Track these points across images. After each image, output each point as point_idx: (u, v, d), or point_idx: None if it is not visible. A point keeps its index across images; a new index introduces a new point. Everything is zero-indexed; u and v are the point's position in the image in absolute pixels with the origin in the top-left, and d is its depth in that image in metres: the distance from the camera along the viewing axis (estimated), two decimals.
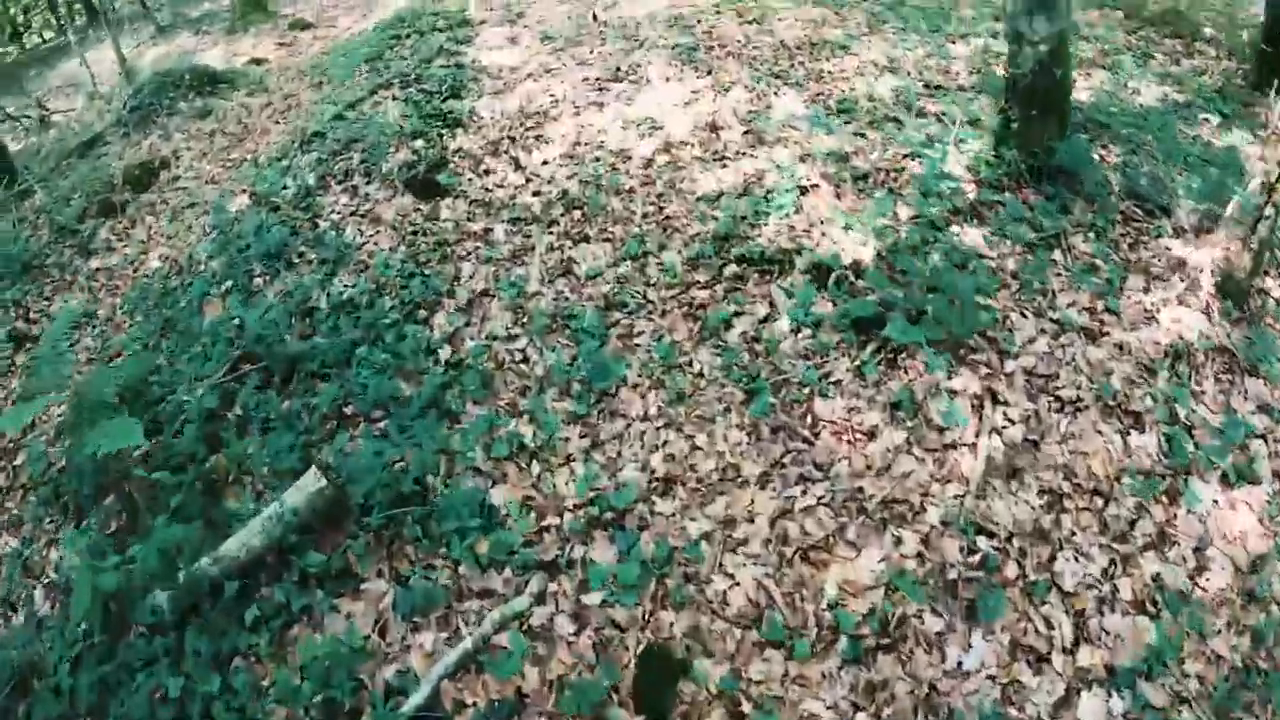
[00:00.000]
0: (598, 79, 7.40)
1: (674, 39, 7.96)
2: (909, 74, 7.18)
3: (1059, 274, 5.17)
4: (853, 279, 4.83)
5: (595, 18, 8.85)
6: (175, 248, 6.96)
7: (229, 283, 5.88)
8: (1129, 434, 4.45)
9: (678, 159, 6.13)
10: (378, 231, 5.90)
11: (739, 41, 7.85)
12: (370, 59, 8.99)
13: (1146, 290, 5.24)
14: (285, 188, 6.68)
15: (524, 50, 8.43)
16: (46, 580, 4.71)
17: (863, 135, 6.24)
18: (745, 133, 6.36)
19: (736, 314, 4.81)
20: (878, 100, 6.74)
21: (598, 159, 6.26)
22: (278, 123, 8.59)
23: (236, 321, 5.46)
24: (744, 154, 6.10)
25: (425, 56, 8.36)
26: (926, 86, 6.98)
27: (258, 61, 11.11)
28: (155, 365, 5.31)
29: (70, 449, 4.83)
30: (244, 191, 7.03)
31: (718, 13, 8.55)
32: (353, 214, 6.13)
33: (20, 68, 18.95)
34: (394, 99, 7.58)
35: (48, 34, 22.45)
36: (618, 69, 7.49)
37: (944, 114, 6.48)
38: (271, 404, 4.72)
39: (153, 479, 4.28)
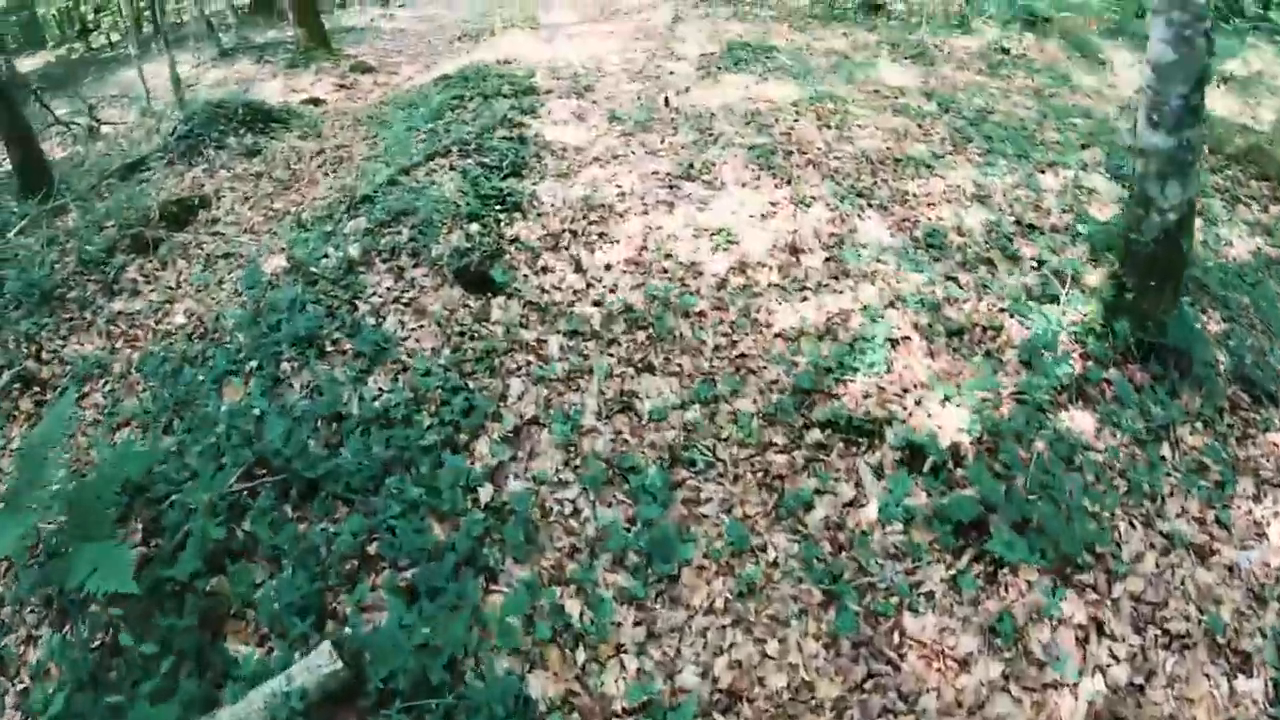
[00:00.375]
0: (668, 174, 6.85)
1: (751, 138, 7.42)
2: (999, 206, 6.63)
3: (1168, 473, 4.55)
4: (950, 467, 4.21)
5: (667, 103, 8.33)
6: (203, 303, 6.39)
7: (253, 363, 5.29)
8: (1236, 677, 3.84)
9: (754, 283, 5.56)
10: (421, 326, 5.32)
11: (819, 149, 7.31)
12: (430, 118, 8.48)
13: (1257, 498, 4.66)
14: (326, 256, 6.11)
15: (590, 130, 7.90)
16: (20, 685, 4.10)
17: (954, 279, 5.66)
18: (827, 259, 5.79)
19: (818, 492, 4.20)
20: (968, 235, 6.19)
21: (665, 270, 5.70)
22: (327, 175, 8.07)
23: (257, 413, 4.86)
24: (826, 286, 5.53)
25: (487, 124, 7.83)
26: (1018, 223, 6.42)
27: (315, 102, 10.63)
28: (163, 453, 4.71)
29: (59, 549, 4.24)
30: (282, 251, 6.47)
31: (796, 113, 8.02)
32: (396, 301, 5.56)
33: (82, 67, 18.64)
34: (451, 169, 7.03)
35: (115, 36, 22.21)
36: (690, 166, 6.95)
37: (1040, 260, 5.92)
38: (287, 529, 4.11)
39: (141, 648, 3.66)
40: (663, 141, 7.51)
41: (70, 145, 12.15)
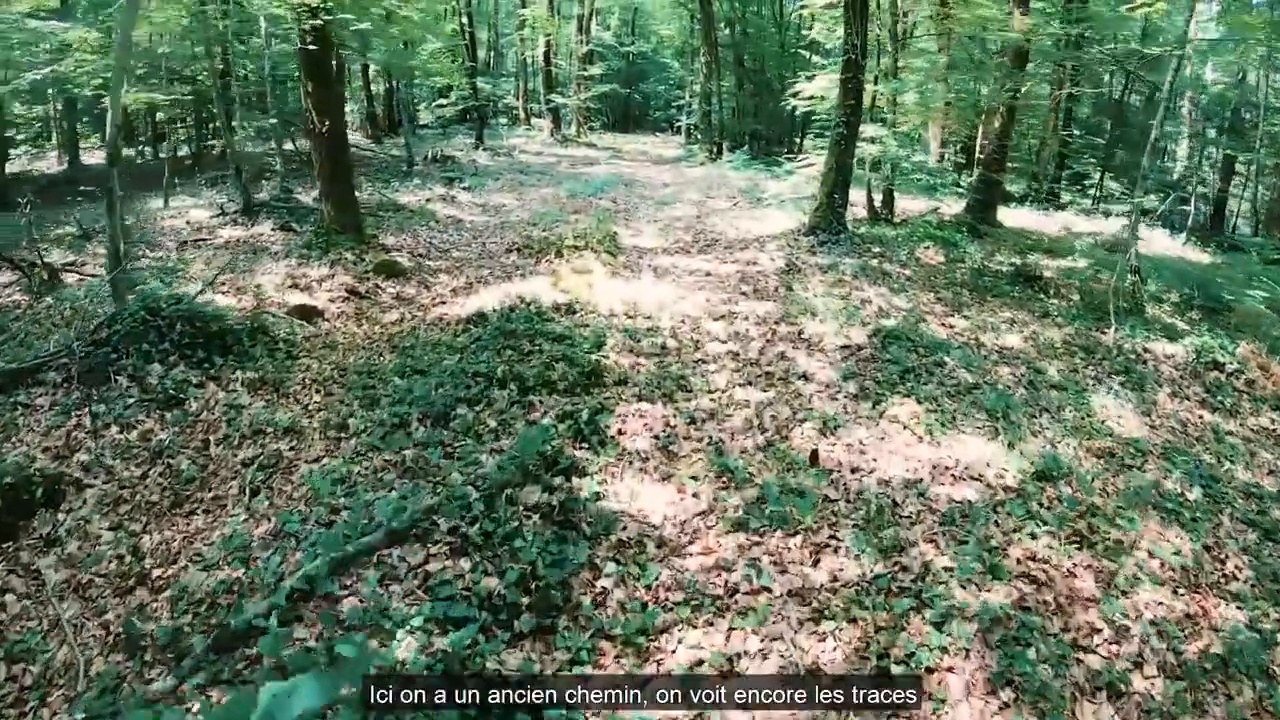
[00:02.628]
0: (846, 678, 3.16)
1: (975, 584, 3.82)
2: None
3: None
4: None
5: (815, 460, 4.70)
6: None
7: None
8: None
9: None
10: None
11: (1098, 633, 3.65)
12: (432, 409, 4.90)
13: None
14: None
15: (686, 499, 4.33)
16: None
17: None
18: None
19: None
20: None
21: None
22: (243, 495, 4.47)
23: None
24: None
25: (512, 465, 4.22)
26: None
27: (307, 315, 7.14)
28: None
29: None
30: None
31: (1030, 517, 4.38)
32: None
33: (135, 175, 15.50)
34: (425, 587, 3.37)
35: (183, 150, 19.57)
36: (882, 655, 3.27)
37: None
38: None
39: None
40: (815, 562, 3.85)
41: (13, 293, 8.70)
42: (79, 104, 19.41)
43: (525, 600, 3.31)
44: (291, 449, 4.84)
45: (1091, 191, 20.45)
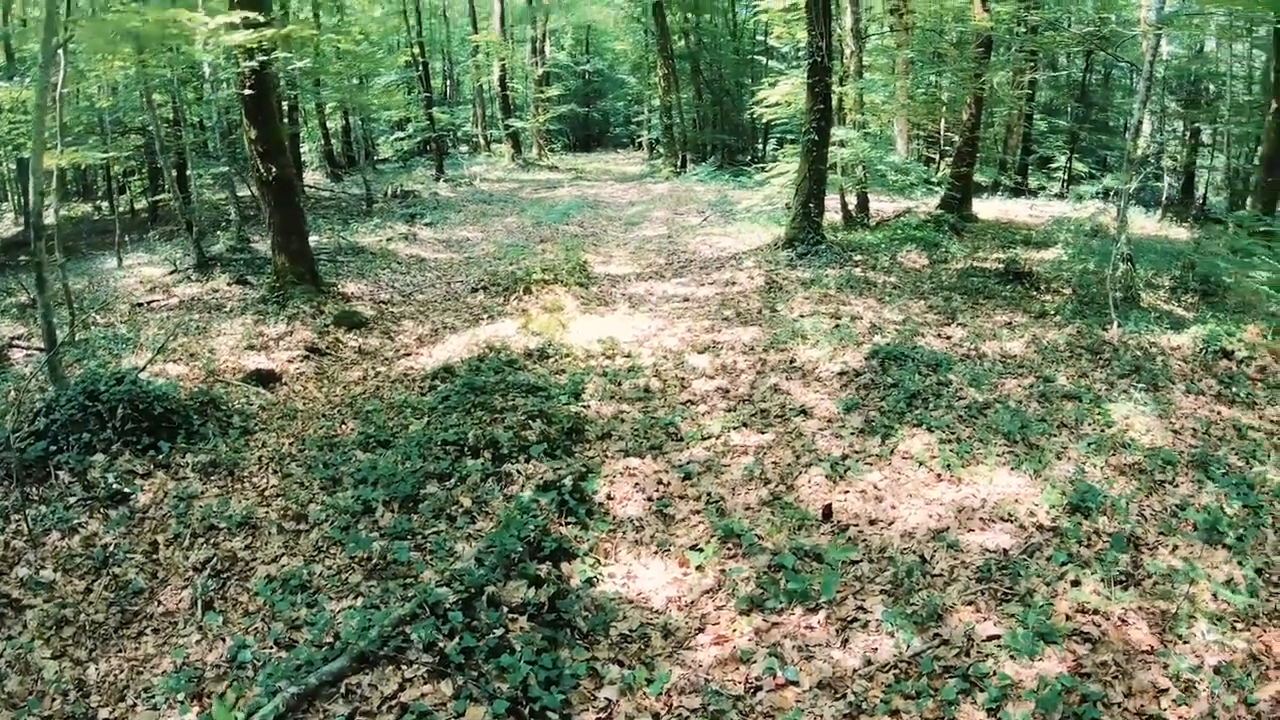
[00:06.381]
0: None
1: (1029, 650, 3.36)
2: None
3: None
4: None
5: (828, 516, 4.25)
6: None
7: None
8: None
9: None
10: None
11: (1174, 700, 3.19)
12: (401, 499, 4.39)
13: None
14: None
15: (687, 567, 3.79)
16: None
17: None
18: None
19: None
20: None
21: None
22: (193, 611, 3.94)
23: None
24: None
25: (500, 544, 3.71)
26: None
27: (264, 380, 6.61)
28: None
29: None
30: None
31: (1071, 562, 3.94)
32: None
33: (86, 234, 14.83)
34: (411, 717, 2.85)
35: (140, 204, 18.82)
36: None
37: None
38: None
39: None
40: (844, 642, 3.39)
41: None
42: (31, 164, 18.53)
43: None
44: (246, 547, 4.32)
45: (1058, 175, 20.19)
